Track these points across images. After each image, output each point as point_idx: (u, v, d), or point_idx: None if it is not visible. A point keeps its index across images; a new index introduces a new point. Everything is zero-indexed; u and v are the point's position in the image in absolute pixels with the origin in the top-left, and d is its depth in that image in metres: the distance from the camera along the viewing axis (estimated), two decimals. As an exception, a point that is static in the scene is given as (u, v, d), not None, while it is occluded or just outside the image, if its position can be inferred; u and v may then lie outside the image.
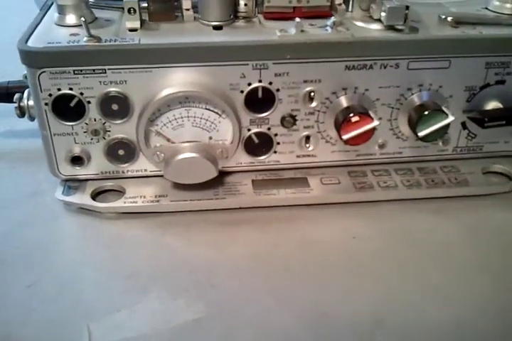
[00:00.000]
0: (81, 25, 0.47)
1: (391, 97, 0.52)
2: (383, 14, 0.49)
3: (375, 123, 0.50)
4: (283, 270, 0.46)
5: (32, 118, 0.51)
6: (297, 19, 0.49)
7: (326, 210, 0.53)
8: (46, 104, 0.48)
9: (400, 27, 0.50)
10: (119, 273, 0.46)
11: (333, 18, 0.49)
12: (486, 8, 0.56)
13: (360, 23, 0.52)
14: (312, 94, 0.51)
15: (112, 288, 0.44)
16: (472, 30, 0.51)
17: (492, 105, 0.54)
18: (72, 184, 0.53)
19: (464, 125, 0.55)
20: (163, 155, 0.50)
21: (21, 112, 0.52)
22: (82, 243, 0.49)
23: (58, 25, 0.50)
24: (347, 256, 0.48)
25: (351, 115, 0.50)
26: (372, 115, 0.50)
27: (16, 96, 0.52)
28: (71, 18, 0.50)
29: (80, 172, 0.52)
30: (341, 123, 0.50)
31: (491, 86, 0.53)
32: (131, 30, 0.50)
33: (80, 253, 0.48)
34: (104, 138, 0.51)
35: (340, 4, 0.53)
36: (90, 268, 0.46)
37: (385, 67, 0.50)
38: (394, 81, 0.51)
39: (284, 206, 0.53)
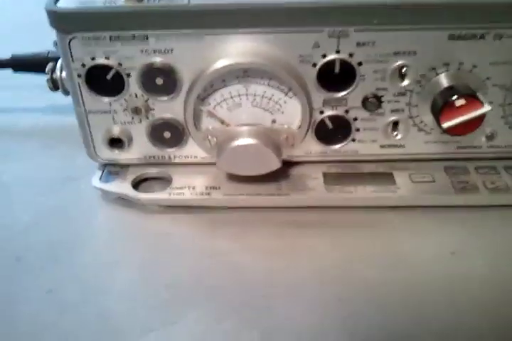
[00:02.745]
0: (122, -18, 0.39)
1: (506, 77, 0.41)
2: (505, -34, 0.38)
3: (486, 108, 0.39)
4: (355, 294, 0.37)
5: (66, 93, 0.44)
6: (390, -28, 0.38)
7: (415, 215, 0.43)
8: (79, 75, 0.41)
9: (526, -17, 0.39)
10: (156, 283, 0.38)
11: (436, -28, 0.38)
12: None
13: (471, -21, 0.40)
14: (404, 69, 0.41)
15: (145, 301, 0.37)
16: None
17: None
18: (112, 169, 0.46)
19: None
20: (215, 139, 0.42)
21: (54, 85, 0.44)
22: (117, 241, 0.42)
23: (96, -18, 0.43)
24: (443, 278, 0.38)
25: (455, 97, 0.39)
26: (481, 98, 0.40)
27: (48, 66, 0.44)
28: (112, -27, 0.42)
29: (121, 155, 0.45)
30: (441, 107, 0.40)
31: None
32: (182, -13, 0.41)
33: (112, 255, 0.41)
34: (147, 117, 0.43)
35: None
36: (123, 274, 0.39)
37: (500, 38, 0.40)
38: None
39: (362, 207, 0.43)
